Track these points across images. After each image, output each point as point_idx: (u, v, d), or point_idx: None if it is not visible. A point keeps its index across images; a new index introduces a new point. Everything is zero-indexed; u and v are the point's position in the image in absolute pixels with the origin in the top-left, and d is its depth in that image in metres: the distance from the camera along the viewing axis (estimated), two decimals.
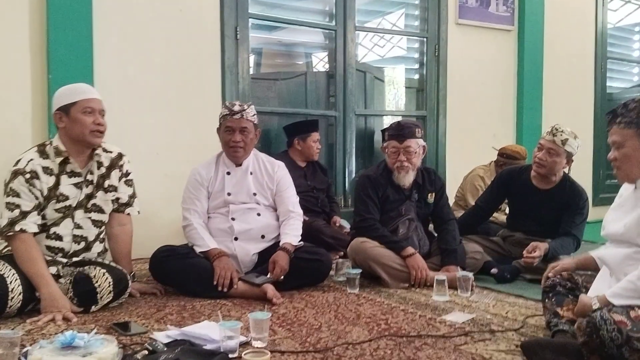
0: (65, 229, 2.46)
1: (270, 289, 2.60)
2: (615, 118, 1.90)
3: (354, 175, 4.63)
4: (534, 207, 3.20)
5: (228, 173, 2.93)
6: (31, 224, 2.36)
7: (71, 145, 2.45)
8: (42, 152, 2.45)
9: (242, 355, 1.68)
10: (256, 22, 4.19)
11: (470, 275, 2.74)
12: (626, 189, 2.02)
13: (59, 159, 2.43)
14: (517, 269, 3.07)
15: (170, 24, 3.73)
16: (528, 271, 3.06)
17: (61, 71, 3.29)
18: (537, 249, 2.96)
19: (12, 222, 2.34)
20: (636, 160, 1.87)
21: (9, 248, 2.42)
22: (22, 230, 2.34)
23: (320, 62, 4.69)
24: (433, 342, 2.00)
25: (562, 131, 3.08)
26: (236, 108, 2.86)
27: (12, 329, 2.01)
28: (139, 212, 2.72)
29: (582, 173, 4.82)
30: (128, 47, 3.59)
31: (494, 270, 3.01)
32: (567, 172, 3.20)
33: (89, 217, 2.52)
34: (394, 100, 5.15)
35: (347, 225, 3.84)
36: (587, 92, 5.79)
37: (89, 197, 2.51)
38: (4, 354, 1.74)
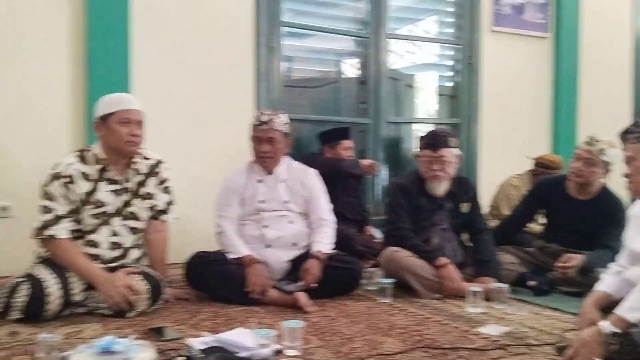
0: (102, 236, 2.50)
1: (302, 297, 2.60)
2: (627, 135, 1.98)
3: (385, 183, 4.62)
4: (571, 218, 3.14)
5: (260, 181, 2.95)
6: (62, 229, 2.41)
7: (109, 153, 2.50)
8: (82, 157, 2.51)
9: None
10: (288, 29, 4.22)
11: (505, 287, 2.70)
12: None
13: (98, 166, 2.48)
14: (553, 281, 3.01)
15: (205, 32, 3.79)
16: (564, 283, 3.00)
17: (99, 80, 3.37)
18: (572, 259, 2.90)
19: (45, 226, 2.39)
20: None
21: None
22: (53, 236, 2.39)
23: (352, 69, 4.69)
24: (468, 355, 1.97)
25: (599, 141, 3.02)
26: (264, 118, 2.87)
27: (51, 333, 2.05)
28: (176, 218, 2.75)
29: (619, 183, 4.70)
30: (163, 56, 3.65)
31: (531, 283, 2.95)
32: (605, 182, 3.13)
33: (126, 225, 2.56)
34: (426, 107, 5.12)
35: (378, 235, 3.82)
36: (624, 100, 5.66)
37: (126, 204, 2.56)
38: (43, 358, 1.78)
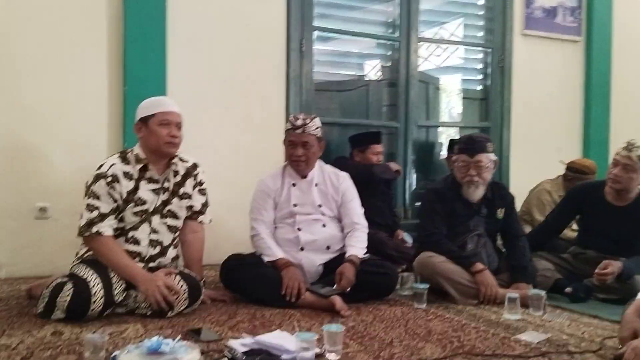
0: (142, 233, 2.56)
1: (338, 301, 2.61)
2: None
3: (414, 187, 4.60)
4: (608, 225, 3.10)
5: (294, 184, 2.96)
6: (107, 227, 2.47)
7: (149, 154, 2.57)
8: (124, 158, 2.58)
9: None
10: (320, 34, 4.24)
11: (543, 293, 2.67)
12: None
13: (139, 166, 2.55)
14: (590, 288, 2.98)
15: (238, 38, 3.83)
16: (601, 290, 2.96)
17: (136, 84, 3.43)
18: (610, 266, 2.87)
19: (90, 224, 2.45)
20: None
21: (90, 252, 2.52)
22: (98, 233, 2.45)
23: (382, 73, 4.69)
24: None
25: (638, 146, 2.98)
26: (299, 122, 2.89)
27: (95, 332, 2.09)
28: (210, 220, 2.79)
29: None
30: (198, 61, 3.70)
31: (568, 289, 2.92)
32: None
33: (165, 223, 2.62)
34: (456, 111, 5.09)
35: (409, 240, 3.81)
36: None
37: (165, 203, 2.62)
38: (90, 357, 1.81)
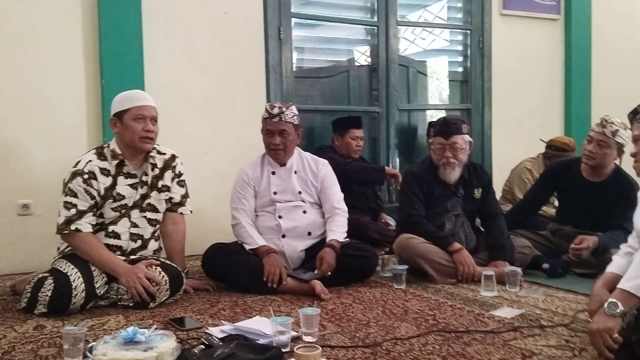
0: (122, 227, 2.58)
1: (318, 285, 2.64)
2: (636, 115, 1.98)
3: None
4: (585, 200, 3.15)
5: (273, 173, 2.99)
6: (86, 223, 2.48)
7: (125, 149, 2.57)
8: (100, 154, 2.58)
9: (294, 349, 1.72)
10: (298, 20, 4.24)
11: (519, 270, 2.72)
12: None
13: (115, 161, 2.55)
14: (568, 264, 3.03)
15: (215, 26, 3.83)
16: (578, 265, 3.02)
17: (114, 77, 3.43)
18: (585, 241, 2.92)
19: (69, 221, 2.46)
20: None
21: (71, 247, 2.54)
22: (77, 230, 2.46)
23: (362, 58, 4.70)
24: (482, 338, 2.00)
25: (611, 122, 3.02)
26: (275, 111, 2.91)
27: (76, 325, 2.13)
28: (191, 211, 2.82)
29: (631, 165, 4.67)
30: (176, 51, 3.70)
31: (545, 265, 2.98)
32: (618, 164, 3.13)
33: (145, 216, 2.64)
34: (438, 93, 5.12)
35: (392, 222, 3.85)
36: (637, 80, 5.59)
37: (144, 197, 2.63)
38: (69, 349, 1.84)
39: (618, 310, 1.78)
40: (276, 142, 2.91)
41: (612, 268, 2.11)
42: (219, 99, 3.85)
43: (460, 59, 4.96)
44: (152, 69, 3.58)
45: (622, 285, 1.81)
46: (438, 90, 5.15)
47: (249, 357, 1.69)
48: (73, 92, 3.45)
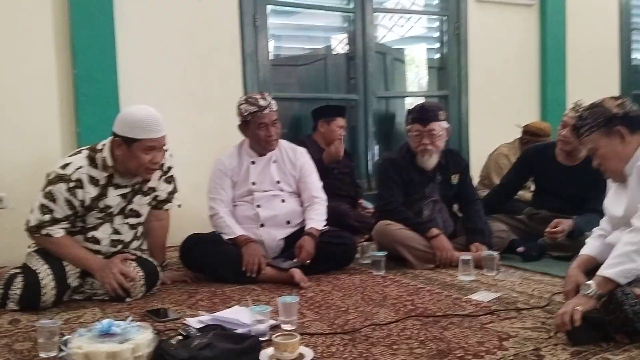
0: (103, 233, 2.48)
1: (297, 273, 2.64)
2: (579, 131, 2.05)
3: (376, 158, 4.64)
4: (560, 184, 3.18)
5: (253, 162, 2.97)
6: (58, 229, 2.37)
7: (121, 167, 2.39)
8: (92, 159, 2.39)
9: (272, 338, 1.72)
10: (274, 7, 4.20)
11: (496, 254, 2.75)
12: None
13: (106, 173, 2.40)
14: (544, 247, 3.06)
15: (189, 14, 3.77)
16: (554, 249, 3.05)
17: (86, 66, 3.37)
18: (561, 224, 2.95)
19: (40, 226, 2.36)
20: (614, 155, 1.98)
21: None
22: (48, 235, 2.37)
23: (339, 45, 4.68)
24: (459, 322, 2.02)
25: (585, 107, 3.03)
26: (262, 102, 2.88)
27: (51, 319, 2.09)
28: (179, 205, 2.75)
29: None
30: (149, 40, 3.64)
31: (520, 249, 3.01)
32: None
33: (127, 222, 2.54)
34: (415, 80, 5.13)
35: (369, 206, 3.86)
36: (612, 65, 5.68)
37: (128, 202, 2.51)
38: (44, 343, 1.82)
39: (590, 292, 1.82)
40: (271, 133, 2.89)
41: (586, 250, 2.15)
42: (194, 88, 3.80)
43: (436, 45, 4.96)
44: (125, 59, 3.51)
45: (602, 272, 1.84)
46: (416, 78, 5.16)
47: (227, 346, 1.68)
48: (44, 83, 3.37)
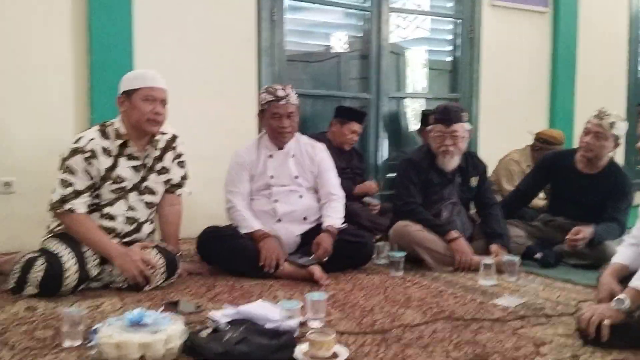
0: (118, 209, 2.48)
1: (317, 271, 2.61)
2: None
3: (386, 158, 4.61)
4: (578, 192, 3.17)
5: (270, 156, 2.93)
6: (81, 204, 2.38)
7: (131, 129, 2.46)
8: (103, 132, 2.45)
9: (307, 335, 1.68)
10: (291, 3, 4.16)
11: (517, 259, 2.73)
12: None
13: (119, 141, 2.44)
14: (560, 254, 3.05)
15: (208, 6, 3.71)
16: (571, 256, 3.04)
17: (102, 54, 3.30)
18: (581, 232, 2.94)
19: (63, 200, 2.36)
20: None
21: (62, 226, 2.44)
22: (71, 210, 2.36)
23: (353, 44, 4.64)
24: (490, 326, 1.99)
25: (609, 114, 3.03)
26: (281, 93, 2.84)
27: (71, 306, 2.04)
28: (190, 192, 2.74)
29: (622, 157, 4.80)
30: (166, 31, 3.58)
31: (538, 255, 2.99)
32: (612, 156, 3.16)
33: (142, 199, 2.54)
34: (427, 82, 5.10)
35: (374, 201, 3.84)
36: (619, 76, 5.69)
37: (143, 179, 2.53)
38: (68, 332, 1.77)
39: (623, 306, 1.80)
40: (285, 124, 2.84)
41: (618, 259, 2.14)
42: (210, 81, 3.74)
43: (449, 48, 4.94)
44: (142, 48, 3.44)
45: (633, 284, 1.83)
46: (426, 80, 5.13)
47: (262, 342, 1.64)
48: (60, 69, 3.29)
